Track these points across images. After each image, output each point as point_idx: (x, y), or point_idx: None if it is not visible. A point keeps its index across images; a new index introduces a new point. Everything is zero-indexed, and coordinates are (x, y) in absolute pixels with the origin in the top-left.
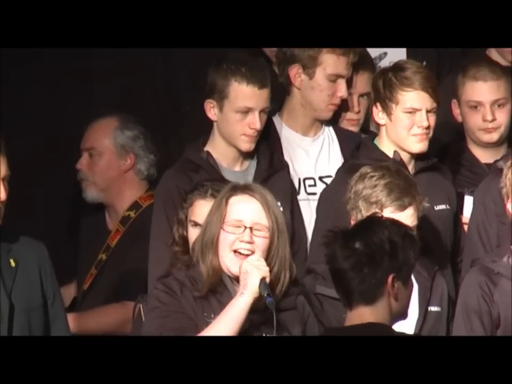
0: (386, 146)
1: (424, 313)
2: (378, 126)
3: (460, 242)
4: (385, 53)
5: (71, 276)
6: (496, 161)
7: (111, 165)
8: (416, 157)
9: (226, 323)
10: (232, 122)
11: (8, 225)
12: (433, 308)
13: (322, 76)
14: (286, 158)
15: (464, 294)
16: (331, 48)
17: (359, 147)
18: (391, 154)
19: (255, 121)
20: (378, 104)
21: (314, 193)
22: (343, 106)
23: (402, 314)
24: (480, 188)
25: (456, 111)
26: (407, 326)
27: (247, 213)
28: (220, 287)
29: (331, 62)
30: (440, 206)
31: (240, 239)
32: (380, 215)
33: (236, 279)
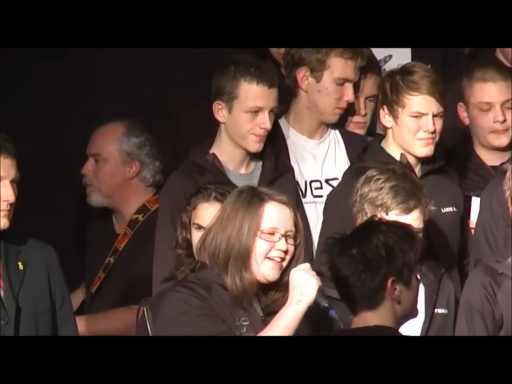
0: (393, 149)
1: (430, 315)
2: (385, 128)
3: (467, 245)
4: (390, 56)
5: (79, 279)
6: (503, 163)
7: (116, 172)
8: (423, 160)
9: (279, 330)
10: (242, 123)
11: (17, 228)
12: (440, 310)
13: (330, 80)
14: (292, 160)
15: (467, 293)
16: (339, 52)
17: (365, 150)
18: (397, 157)
19: (265, 121)
20: (385, 107)
21: (321, 196)
22: (350, 109)
23: (410, 315)
24: (487, 191)
25: (462, 114)
26: (413, 328)
27: (282, 220)
28: None
29: (339, 65)
30: (447, 208)
31: (276, 247)
32: (377, 219)
33: (268, 285)
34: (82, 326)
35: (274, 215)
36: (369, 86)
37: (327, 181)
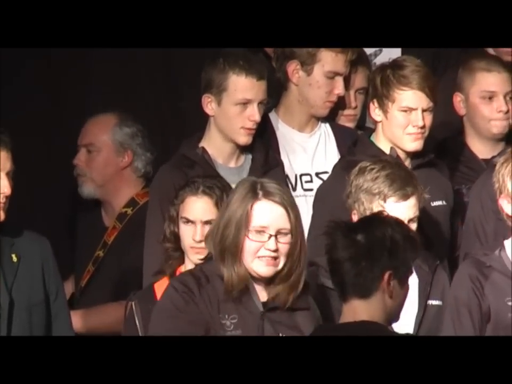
0: (382, 143)
1: (423, 307)
2: (375, 122)
3: (457, 238)
4: (381, 50)
5: (69, 272)
6: (493, 157)
7: (109, 161)
8: (413, 154)
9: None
10: (231, 116)
11: (11, 219)
12: (434, 302)
13: (320, 73)
14: (282, 154)
15: (455, 287)
16: None
17: (355, 143)
18: (387, 151)
19: (254, 113)
20: (375, 100)
21: (311, 189)
22: (340, 102)
23: (396, 316)
24: (477, 184)
25: (458, 104)
26: (407, 320)
27: (272, 219)
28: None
29: (329, 59)
30: (436, 202)
31: (266, 247)
32: (385, 213)
33: (262, 280)
34: (75, 320)
35: (264, 213)
36: (359, 78)
37: (317, 174)
